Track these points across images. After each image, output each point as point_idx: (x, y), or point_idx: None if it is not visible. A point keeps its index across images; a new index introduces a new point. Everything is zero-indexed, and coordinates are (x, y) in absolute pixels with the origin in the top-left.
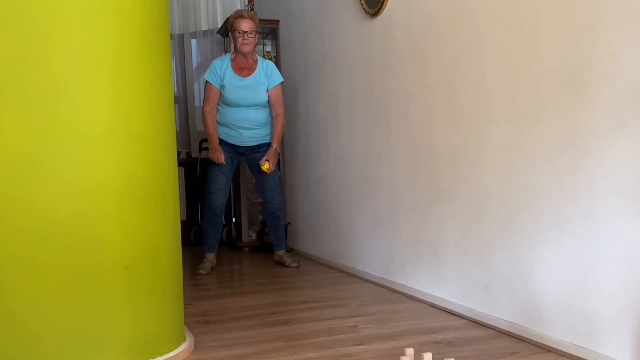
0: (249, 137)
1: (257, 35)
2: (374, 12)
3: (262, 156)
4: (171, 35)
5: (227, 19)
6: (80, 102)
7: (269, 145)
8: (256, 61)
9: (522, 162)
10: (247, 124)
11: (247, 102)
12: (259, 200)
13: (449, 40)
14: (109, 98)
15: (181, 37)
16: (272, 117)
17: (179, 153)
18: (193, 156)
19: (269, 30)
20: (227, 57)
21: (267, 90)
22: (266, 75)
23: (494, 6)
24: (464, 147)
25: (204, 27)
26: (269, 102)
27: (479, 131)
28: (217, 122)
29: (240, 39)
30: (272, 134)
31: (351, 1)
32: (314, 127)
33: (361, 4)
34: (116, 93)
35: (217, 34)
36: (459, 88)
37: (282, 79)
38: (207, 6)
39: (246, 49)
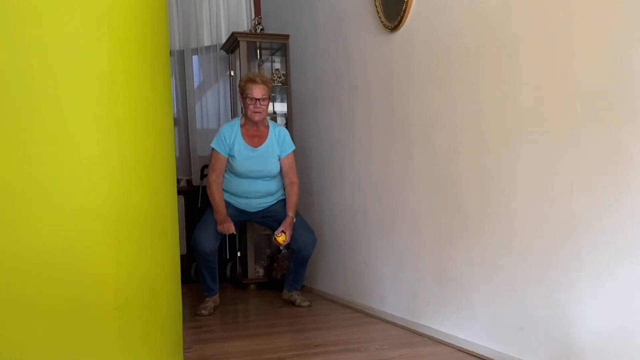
0: (258, 204)
1: (269, 101)
2: (393, 26)
3: (275, 215)
4: (170, 51)
5: (233, 35)
6: (72, 126)
7: (281, 202)
8: (267, 127)
9: (557, 190)
10: (257, 195)
11: (257, 174)
12: (267, 232)
13: (475, 57)
14: (103, 121)
15: (181, 53)
16: (284, 185)
17: (178, 181)
18: (194, 184)
19: (278, 45)
20: (237, 123)
21: (279, 159)
22: (278, 143)
23: (524, 20)
24: (493, 174)
25: (207, 43)
26: (280, 171)
27: (508, 156)
28: (224, 190)
29: (251, 107)
30: (285, 199)
31: (368, 14)
32: (326, 152)
33: (379, 17)
34: (111, 115)
35: (221, 50)
36: (486, 109)
37: (294, 147)
38: (209, 20)
39: (258, 117)
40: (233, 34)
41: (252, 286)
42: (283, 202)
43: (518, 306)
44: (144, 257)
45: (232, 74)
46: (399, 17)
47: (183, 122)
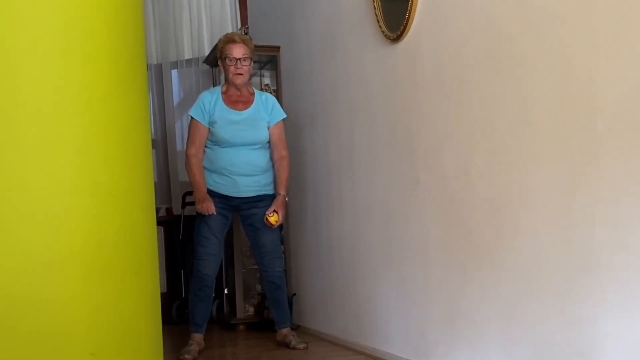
0: (246, 185)
1: (252, 63)
2: (395, 37)
3: (261, 211)
4: (147, 65)
5: (216, 45)
6: (40, 154)
7: (270, 197)
8: (253, 94)
9: (579, 216)
10: (244, 169)
11: (243, 141)
12: (256, 266)
13: (488, 70)
14: (74, 148)
15: (159, 67)
16: (273, 161)
17: (157, 210)
18: (175, 213)
19: (268, 58)
20: (218, 89)
21: (268, 128)
22: (266, 110)
23: (541, 30)
24: (508, 199)
25: (187, 56)
26: (269, 142)
27: (525, 180)
28: (205, 167)
29: (232, 68)
30: (275, 181)
31: (368, 23)
32: (324, 177)
33: (380, 26)
34: (82, 138)
35: (204, 63)
36: (500, 127)
37: (285, 115)
38: (190, 31)
39: (240, 80)
40: (217, 45)
41: (241, 327)
42: (272, 197)
43: (536, 345)
44: (121, 298)
45: None
46: (402, 27)
47: (161, 144)
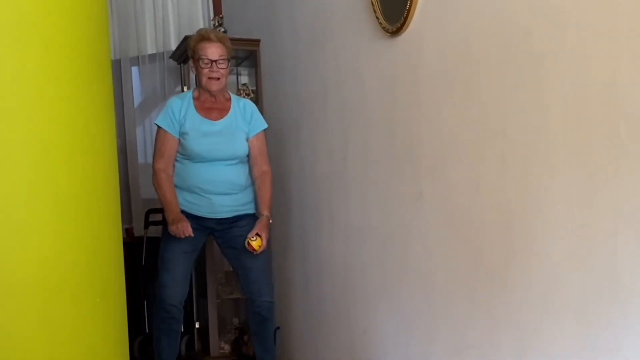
0: (222, 205)
1: (229, 64)
2: (395, 29)
3: (242, 232)
4: None
5: (185, 40)
6: None
7: (251, 217)
8: (229, 100)
9: (599, 233)
10: (220, 187)
11: (219, 155)
12: (233, 296)
13: (499, 69)
14: (29, 153)
15: (117, 63)
16: (252, 178)
17: None
18: (136, 234)
19: (246, 54)
20: (189, 95)
21: (247, 140)
22: (244, 119)
23: (558, 23)
24: (521, 214)
25: (151, 50)
26: (248, 155)
27: (540, 192)
28: (176, 185)
29: (206, 71)
30: (256, 200)
31: (363, 14)
32: (312, 192)
33: (377, 17)
34: (40, 145)
35: (170, 59)
36: (512, 133)
37: (266, 125)
38: (154, 21)
39: (216, 85)
40: (186, 38)
41: None
42: (253, 217)
43: None
44: (83, 325)
45: (186, 89)
46: (402, 18)
47: (120, 153)
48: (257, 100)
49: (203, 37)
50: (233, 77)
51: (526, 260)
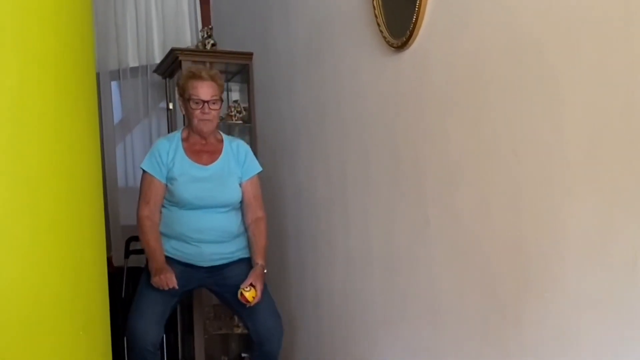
0: (212, 254)
1: (222, 104)
2: (400, 44)
3: (236, 277)
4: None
5: (171, 52)
6: None
7: (246, 261)
8: (221, 141)
9: (619, 262)
10: (211, 236)
11: (210, 203)
12: (222, 331)
13: (510, 85)
14: (5, 175)
15: (96, 77)
16: (246, 224)
17: None
18: (115, 264)
19: (237, 68)
20: (177, 136)
21: (241, 184)
22: (237, 162)
23: (574, 38)
24: (535, 242)
25: (133, 63)
26: (241, 201)
27: (556, 219)
28: (162, 233)
29: (197, 112)
30: (250, 246)
31: (365, 26)
32: (308, 216)
33: (380, 30)
34: (17, 167)
35: (155, 73)
36: (525, 154)
37: (260, 168)
38: (137, 33)
39: (208, 127)
40: (172, 50)
41: None
42: (247, 262)
43: None
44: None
45: (171, 107)
46: (408, 32)
47: None
48: (249, 118)
49: (194, 75)
50: (223, 94)
51: (541, 292)
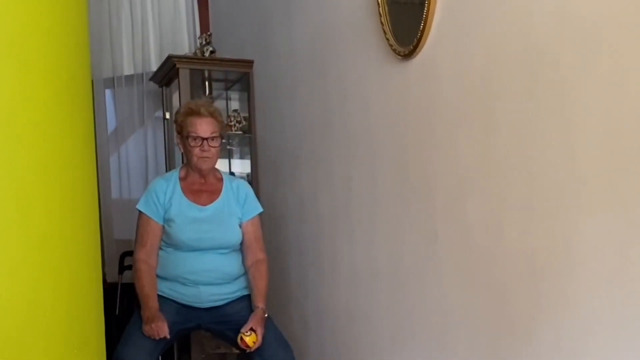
0: (211, 294)
1: (222, 142)
2: (407, 52)
3: (237, 314)
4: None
5: (169, 60)
6: None
7: (245, 299)
8: (221, 180)
9: (636, 279)
10: (210, 278)
11: (209, 244)
12: (220, 350)
13: (523, 99)
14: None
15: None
16: (246, 267)
17: None
18: (109, 280)
19: (237, 76)
20: (174, 175)
21: (240, 225)
22: (238, 202)
23: (588, 49)
24: (549, 259)
25: (128, 71)
26: (241, 243)
27: (569, 234)
28: (159, 276)
29: (196, 151)
30: (251, 291)
31: (371, 34)
32: (311, 231)
33: (387, 38)
34: (10, 180)
35: (151, 81)
36: (537, 170)
37: (261, 209)
38: (132, 39)
39: (207, 165)
40: (170, 58)
41: None
42: (247, 300)
43: None
44: None
45: (168, 116)
46: (416, 39)
47: None
48: (249, 129)
49: (192, 111)
50: (222, 103)
51: (554, 312)
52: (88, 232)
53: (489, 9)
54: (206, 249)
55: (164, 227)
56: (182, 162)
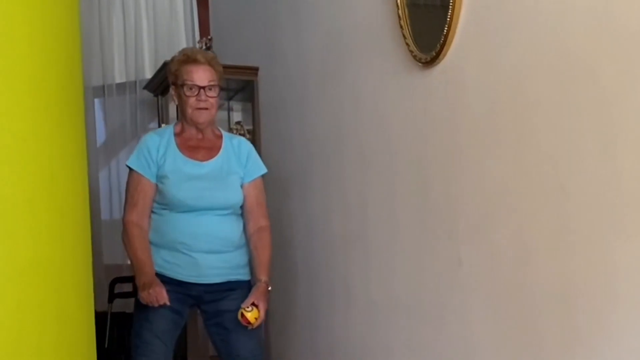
0: (210, 267)
1: (220, 93)
2: (429, 59)
3: (233, 307)
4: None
5: (164, 67)
6: None
7: (246, 284)
8: (220, 137)
9: None
10: (209, 243)
11: (208, 204)
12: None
13: (558, 111)
14: None
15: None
16: (247, 235)
17: None
18: (98, 309)
19: (240, 85)
20: (168, 130)
21: (242, 186)
22: (238, 159)
23: (628, 59)
24: (585, 290)
25: (120, 79)
26: (242, 207)
27: (608, 262)
28: (151, 242)
29: (192, 101)
30: (252, 262)
31: (389, 39)
32: (323, 257)
33: (407, 43)
34: None
35: (145, 90)
36: (574, 189)
37: (265, 169)
38: (124, 45)
39: (204, 117)
40: (165, 65)
41: None
42: (248, 288)
43: None
44: None
45: (164, 126)
46: (439, 45)
47: None
48: (254, 143)
49: (188, 58)
50: (224, 114)
51: (591, 346)
52: (79, 257)
53: (520, 12)
54: (204, 209)
55: (156, 185)
56: (177, 116)
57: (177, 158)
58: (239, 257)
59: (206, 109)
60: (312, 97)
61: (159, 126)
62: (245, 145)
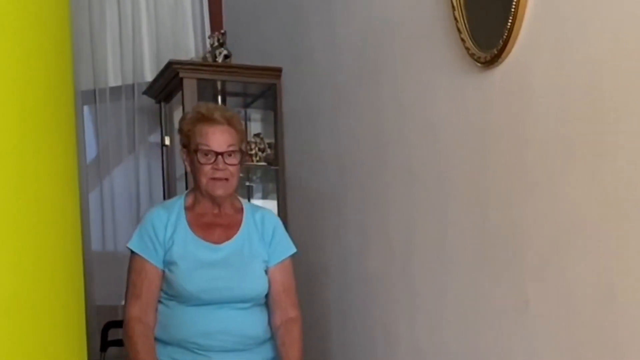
0: None
1: (242, 159)
2: (489, 58)
3: None
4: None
5: (168, 67)
6: None
7: None
8: (240, 210)
9: None
10: (226, 343)
11: (224, 297)
12: None
13: None
14: None
15: (74, 105)
16: (273, 328)
17: None
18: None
19: (260, 89)
20: (178, 203)
21: (267, 270)
22: (262, 238)
23: None
24: None
25: (114, 82)
26: (267, 295)
27: None
28: (157, 339)
29: (208, 169)
30: (279, 356)
31: (441, 35)
32: (360, 296)
33: (462, 39)
34: None
35: (144, 95)
36: None
37: (294, 249)
38: (120, 43)
39: (223, 189)
40: (170, 64)
41: None
42: None
43: None
44: None
45: (168, 142)
46: (502, 41)
47: None
48: (275, 159)
49: (203, 116)
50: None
51: None
52: (69, 298)
53: (599, 0)
54: (220, 302)
55: (164, 272)
56: (186, 185)
57: (188, 239)
58: (263, 354)
59: (225, 179)
60: (346, 103)
61: (162, 137)
62: (270, 219)
